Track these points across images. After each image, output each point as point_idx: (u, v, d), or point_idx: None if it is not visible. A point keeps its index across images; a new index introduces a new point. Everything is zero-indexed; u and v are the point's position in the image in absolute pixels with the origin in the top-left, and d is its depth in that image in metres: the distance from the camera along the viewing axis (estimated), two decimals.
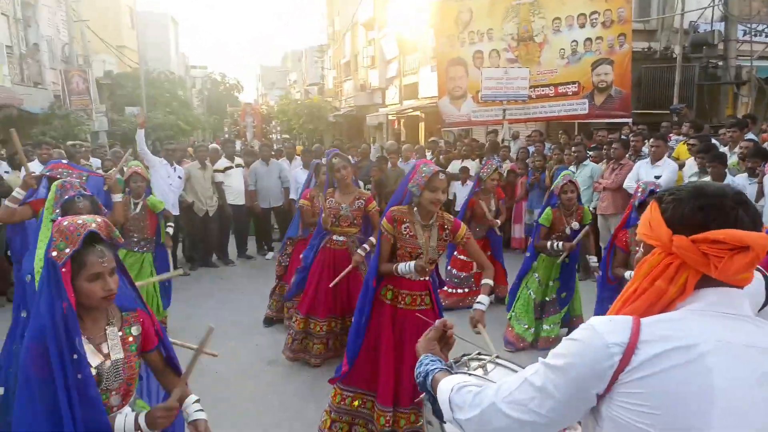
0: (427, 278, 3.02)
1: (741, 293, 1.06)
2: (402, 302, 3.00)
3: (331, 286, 4.13)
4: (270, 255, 8.21)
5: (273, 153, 9.41)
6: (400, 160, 9.05)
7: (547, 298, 4.66)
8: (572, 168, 7.12)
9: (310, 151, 8.70)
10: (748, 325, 1.04)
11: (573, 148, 7.33)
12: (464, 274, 5.67)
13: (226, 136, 22.74)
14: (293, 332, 4.33)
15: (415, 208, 2.94)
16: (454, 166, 8.60)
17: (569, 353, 1.06)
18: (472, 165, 8.51)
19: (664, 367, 1.00)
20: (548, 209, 4.61)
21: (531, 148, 8.67)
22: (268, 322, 5.34)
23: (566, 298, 4.69)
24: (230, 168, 7.79)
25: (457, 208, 7.68)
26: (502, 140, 9.94)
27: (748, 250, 0.99)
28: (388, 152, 9.24)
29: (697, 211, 1.05)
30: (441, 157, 9.23)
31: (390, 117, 21.44)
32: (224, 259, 7.85)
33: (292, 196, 7.93)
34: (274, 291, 5.30)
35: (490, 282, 2.88)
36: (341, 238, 4.23)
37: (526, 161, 8.27)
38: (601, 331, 1.05)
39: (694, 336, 1.01)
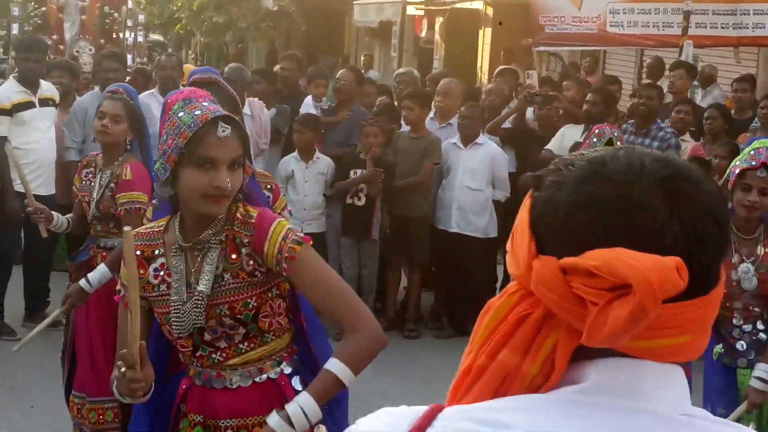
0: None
1: (656, 369, 1.23)
2: None
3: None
4: None
5: (128, 77, 9.56)
6: (432, 113, 9.34)
7: None
8: None
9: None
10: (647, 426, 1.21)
11: None
12: None
13: (16, 32, 22.57)
14: None
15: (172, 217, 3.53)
16: (564, 139, 8.99)
17: None
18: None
19: None
20: None
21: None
22: None
23: None
24: (29, 106, 8.18)
25: None
26: (670, 84, 10.33)
27: (629, 292, 1.14)
28: (401, 94, 9.51)
29: (580, 209, 1.22)
30: (533, 113, 9.82)
31: (411, 11, 21.99)
32: None
33: None
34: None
35: (336, 371, 3.24)
36: None
37: (733, 143, 8.54)
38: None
39: None
